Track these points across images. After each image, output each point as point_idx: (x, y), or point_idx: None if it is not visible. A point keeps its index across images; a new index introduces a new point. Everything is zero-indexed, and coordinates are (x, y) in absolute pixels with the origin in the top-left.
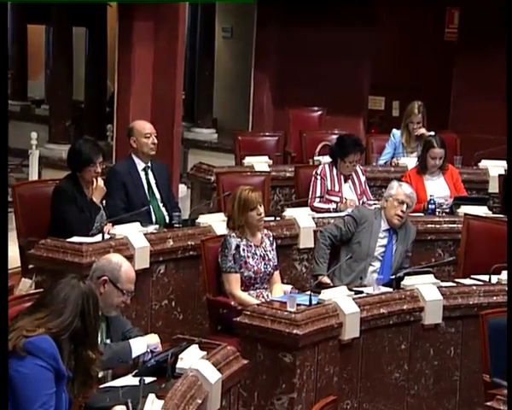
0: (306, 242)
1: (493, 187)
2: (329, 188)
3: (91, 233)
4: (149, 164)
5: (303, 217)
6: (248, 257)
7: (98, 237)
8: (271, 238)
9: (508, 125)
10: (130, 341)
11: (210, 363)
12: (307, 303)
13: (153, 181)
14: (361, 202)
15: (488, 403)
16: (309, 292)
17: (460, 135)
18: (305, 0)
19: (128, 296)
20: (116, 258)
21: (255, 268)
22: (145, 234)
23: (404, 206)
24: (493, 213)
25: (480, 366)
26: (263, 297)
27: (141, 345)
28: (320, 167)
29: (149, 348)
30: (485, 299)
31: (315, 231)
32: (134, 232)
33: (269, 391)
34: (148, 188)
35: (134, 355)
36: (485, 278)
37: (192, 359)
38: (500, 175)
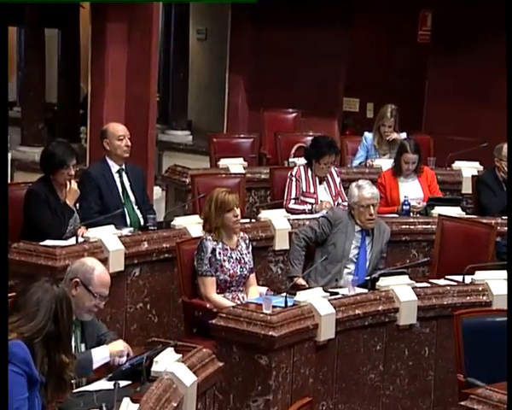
0: (282, 243)
1: (466, 188)
2: (304, 189)
3: (65, 236)
4: (123, 166)
5: (278, 219)
6: (224, 260)
7: (72, 241)
8: (247, 241)
9: (508, 127)
10: (93, 350)
11: (185, 366)
12: (283, 305)
13: (127, 183)
14: (336, 203)
15: (462, 403)
16: (284, 294)
17: (433, 136)
18: (279, 2)
19: (101, 300)
20: (90, 261)
21: (231, 272)
22: (119, 237)
23: (371, 208)
24: (466, 213)
25: (454, 366)
26: (238, 300)
27: (103, 354)
28: (295, 169)
29: (112, 356)
30: (459, 299)
31: (290, 233)
32: (108, 235)
33: (244, 393)
34: (123, 190)
35: (95, 365)
36: (459, 278)
37: (167, 362)
38: (473, 176)
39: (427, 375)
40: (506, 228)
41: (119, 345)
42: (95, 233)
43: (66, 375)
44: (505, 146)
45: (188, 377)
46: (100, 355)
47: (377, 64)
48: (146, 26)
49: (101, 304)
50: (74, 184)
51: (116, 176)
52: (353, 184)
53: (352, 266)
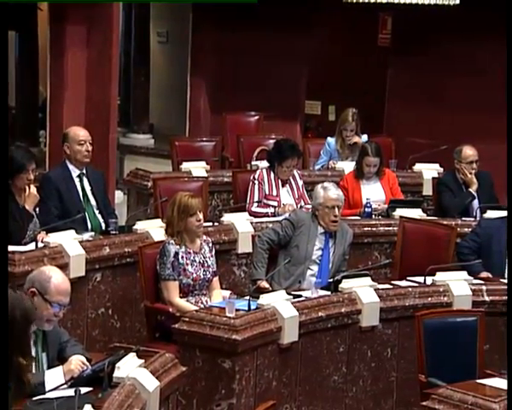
0: (245, 247)
1: (427, 190)
2: (267, 192)
3: (24, 242)
4: (84, 171)
5: (241, 222)
6: (187, 264)
7: (31, 246)
8: (210, 244)
9: (508, 128)
10: (46, 373)
11: (148, 371)
12: (246, 308)
13: (88, 188)
14: (299, 206)
15: (424, 403)
16: (248, 297)
17: (394, 139)
18: (240, 5)
19: (60, 309)
20: (48, 269)
21: (194, 275)
22: (80, 242)
23: (336, 209)
24: (427, 215)
25: (416, 367)
26: (202, 303)
27: (56, 377)
28: (258, 172)
29: (67, 377)
30: (420, 300)
31: (253, 236)
32: (69, 240)
33: (208, 397)
34: (83, 195)
35: (48, 388)
36: (421, 279)
37: (129, 367)
38: (434, 178)
39: (389, 376)
40: (466, 229)
41: (71, 364)
42: (55, 238)
43: (25, 377)
44: (464, 148)
45: (150, 383)
46: (54, 378)
47: (338, 67)
48: (106, 28)
49: (61, 313)
50: (33, 189)
51: (77, 180)
52: (318, 186)
53: (315, 268)
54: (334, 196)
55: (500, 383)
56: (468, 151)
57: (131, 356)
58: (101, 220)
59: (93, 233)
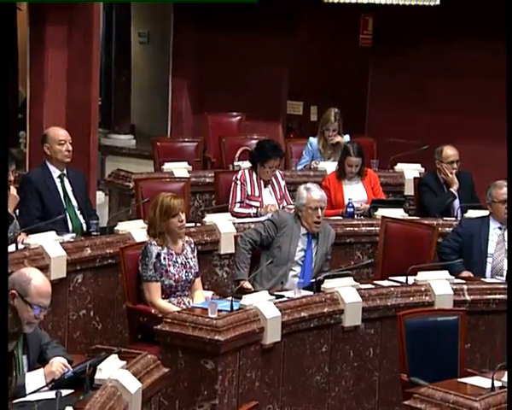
0: (227, 247)
1: (409, 189)
2: (249, 193)
3: None
4: (65, 171)
5: (223, 222)
6: (169, 265)
7: (12, 248)
8: (192, 245)
9: (507, 128)
10: (27, 375)
11: (130, 373)
12: (228, 309)
13: (69, 188)
14: (281, 206)
15: (406, 402)
16: (230, 298)
17: (376, 139)
18: (221, 5)
19: (40, 311)
20: (28, 271)
21: (176, 276)
22: (61, 243)
23: (319, 210)
24: (409, 215)
25: (398, 366)
26: (184, 304)
27: (37, 380)
28: (240, 173)
29: (48, 379)
30: (402, 300)
31: (235, 237)
32: (49, 241)
33: (190, 399)
34: (64, 195)
35: (29, 391)
36: (403, 279)
37: (111, 369)
38: (415, 178)
39: (371, 375)
40: (447, 229)
41: (52, 365)
42: (35, 240)
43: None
44: (445, 148)
45: (132, 384)
46: (35, 381)
47: (320, 68)
48: (86, 28)
49: (41, 315)
50: (13, 190)
51: (57, 181)
52: (301, 187)
53: (297, 269)
54: (317, 198)
55: (481, 381)
56: (449, 151)
57: (113, 358)
58: (83, 221)
59: (74, 234)
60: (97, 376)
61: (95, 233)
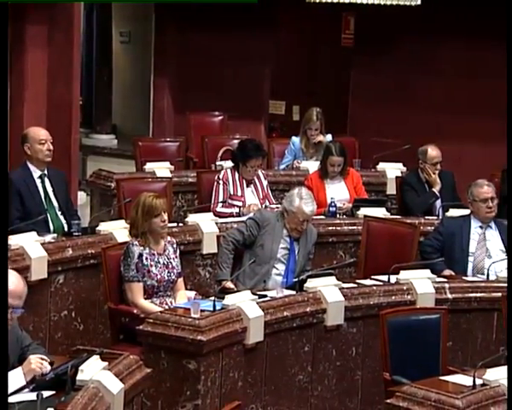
0: (210, 247)
1: (391, 189)
2: (232, 192)
3: None
4: (46, 171)
5: (206, 222)
6: (151, 266)
7: None
8: (175, 245)
9: (507, 128)
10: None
11: (112, 373)
12: (211, 309)
13: (50, 189)
14: (263, 206)
15: (388, 400)
16: (213, 298)
17: (358, 138)
18: (203, 5)
19: (14, 312)
20: None
21: (158, 277)
22: (42, 243)
23: (305, 223)
24: (391, 214)
25: (381, 365)
26: (166, 305)
27: (17, 379)
28: (222, 172)
29: (28, 377)
30: (384, 299)
31: (218, 237)
32: (30, 242)
33: (173, 399)
34: (45, 196)
35: (9, 391)
36: (385, 278)
37: (93, 370)
38: (397, 177)
39: (354, 374)
40: (429, 228)
41: (30, 363)
42: (16, 240)
43: None
44: (429, 149)
45: (114, 385)
46: (14, 380)
47: (302, 67)
48: (67, 28)
49: (15, 316)
50: None
51: (38, 181)
52: (296, 191)
53: (280, 267)
54: (307, 212)
55: (463, 379)
56: (433, 152)
57: (95, 359)
58: (64, 222)
59: (55, 235)
60: (79, 377)
61: (76, 234)
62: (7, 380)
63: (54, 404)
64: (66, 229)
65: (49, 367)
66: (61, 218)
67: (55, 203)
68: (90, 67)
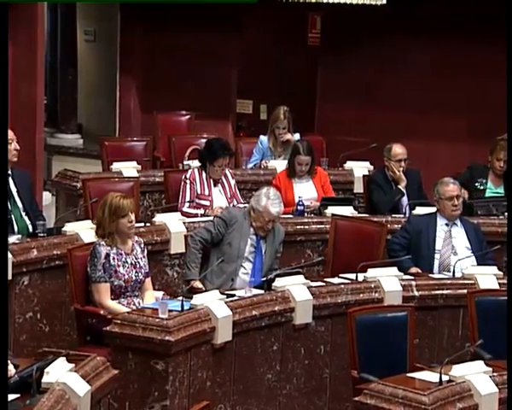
0: (177, 247)
1: (358, 187)
2: (199, 192)
3: None
4: (10, 172)
5: (173, 222)
6: (119, 266)
7: None
8: (142, 245)
9: (508, 127)
10: None
11: (78, 375)
12: (179, 309)
13: (14, 189)
14: (231, 205)
15: (356, 398)
16: (181, 298)
17: (326, 137)
18: (168, 4)
19: None
20: None
21: (126, 277)
22: None
23: (271, 223)
24: (359, 212)
25: (349, 363)
26: (134, 305)
27: None
28: (189, 172)
29: None
30: (352, 297)
31: (186, 236)
32: None
33: (141, 400)
34: (9, 196)
35: None
36: (353, 276)
37: (59, 372)
38: (364, 176)
39: (322, 373)
40: (396, 226)
41: None
42: None
43: None
44: (394, 146)
45: (81, 387)
46: None
47: (269, 66)
48: (31, 27)
49: None
50: None
51: None
52: (264, 190)
53: (247, 266)
54: (273, 213)
55: (429, 376)
56: (398, 149)
57: (61, 361)
58: (28, 222)
59: (20, 236)
60: (44, 379)
61: (41, 234)
62: (7, 380)
63: (19, 407)
64: (30, 230)
65: (13, 370)
66: (26, 218)
67: (20, 204)
68: (54, 66)
